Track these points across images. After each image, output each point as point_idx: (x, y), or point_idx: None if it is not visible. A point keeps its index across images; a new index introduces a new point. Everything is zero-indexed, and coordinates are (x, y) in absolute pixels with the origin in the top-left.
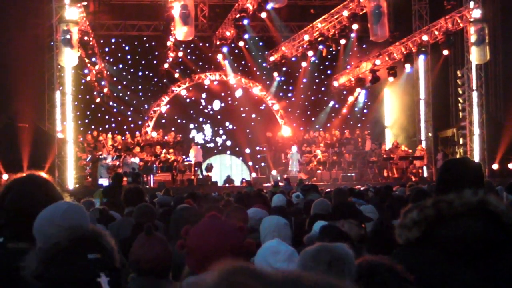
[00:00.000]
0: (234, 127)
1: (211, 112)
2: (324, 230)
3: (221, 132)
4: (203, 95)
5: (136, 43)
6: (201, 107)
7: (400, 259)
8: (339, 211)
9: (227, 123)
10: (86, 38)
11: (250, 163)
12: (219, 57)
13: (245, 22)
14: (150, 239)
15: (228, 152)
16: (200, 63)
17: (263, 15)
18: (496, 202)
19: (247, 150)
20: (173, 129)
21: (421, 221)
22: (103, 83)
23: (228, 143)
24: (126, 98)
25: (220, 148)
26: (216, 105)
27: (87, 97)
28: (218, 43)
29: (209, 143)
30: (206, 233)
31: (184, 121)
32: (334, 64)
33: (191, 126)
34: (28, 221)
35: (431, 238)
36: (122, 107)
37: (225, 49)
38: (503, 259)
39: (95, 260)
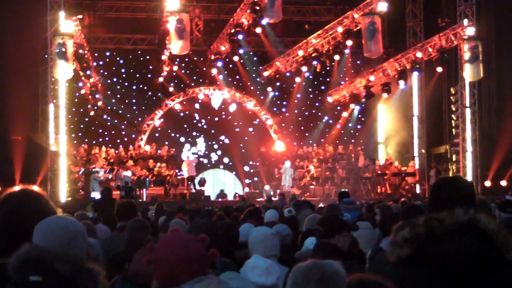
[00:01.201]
0: (228, 142)
1: (205, 126)
2: (319, 247)
3: (215, 146)
4: (197, 109)
5: (130, 56)
6: (195, 121)
7: (391, 277)
8: (332, 227)
9: (220, 138)
10: (81, 51)
11: (247, 180)
12: (214, 71)
13: (240, 37)
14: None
15: (222, 166)
16: (195, 77)
17: (258, 30)
18: (487, 220)
19: (246, 168)
20: (166, 143)
21: (413, 239)
22: (97, 96)
23: (222, 157)
24: (120, 111)
25: (213, 162)
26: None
27: (81, 110)
28: (212, 57)
29: (203, 157)
30: (171, 246)
31: (177, 135)
32: (328, 79)
33: (182, 139)
34: (18, 236)
35: (422, 256)
36: (116, 121)
37: (219, 64)
38: (494, 277)
39: (35, 282)
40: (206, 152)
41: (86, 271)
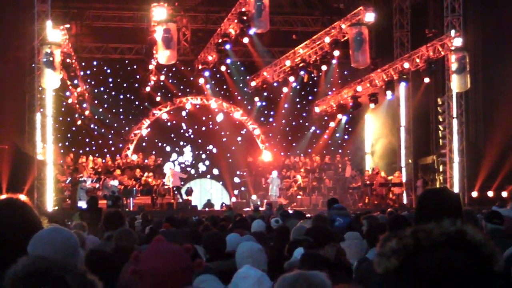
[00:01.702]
0: (215, 151)
1: (192, 136)
2: (306, 258)
3: (202, 156)
4: (184, 119)
5: (118, 66)
6: (182, 130)
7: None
8: (321, 238)
9: (207, 147)
10: (68, 60)
11: (235, 192)
12: (201, 81)
13: (227, 46)
14: None
15: (209, 176)
16: (182, 87)
17: (245, 40)
18: (474, 232)
19: (235, 179)
20: (153, 152)
21: (400, 250)
22: (84, 105)
23: (209, 167)
24: (107, 120)
25: (200, 172)
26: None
27: (68, 119)
28: (200, 67)
29: (190, 167)
30: (156, 256)
31: (164, 145)
32: (315, 90)
33: (168, 149)
34: (2, 244)
35: (409, 268)
36: (103, 130)
37: (207, 73)
38: None
39: None
40: (193, 162)
41: (91, 283)
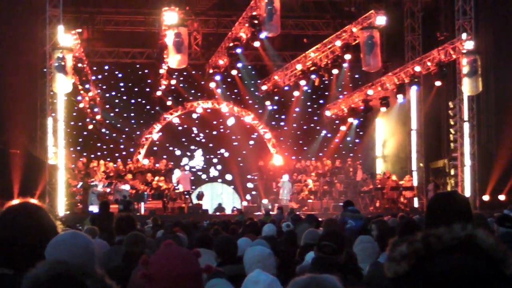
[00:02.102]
0: (226, 155)
1: (203, 140)
2: (317, 262)
3: (214, 160)
4: (195, 123)
5: (129, 70)
6: (193, 135)
7: None
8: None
9: (218, 151)
10: (80, 65)
11: (247, 196)
12: (212, 85)
13: (238, 50)
14: None
15: (220, 180)
16: (193, 91)
17: (257, 44)
18: (485, 236)
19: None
20: (164, 156)
21: (410, 254)
22: (96, 109)
23: (220, 171)
24: (119, 125)
25: (211, 176)
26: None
27: (80, 123)
28: (211, 71)
29: (201, 171)
30: (167, 260)
31: (175, 149)
32: (326, 93)
33: (179, 153)
34: (17, 249)
35: (420, 272)
36: (114, 134)
37: (218, 77)
38: None
39: None
40: (204, 166)
41: None
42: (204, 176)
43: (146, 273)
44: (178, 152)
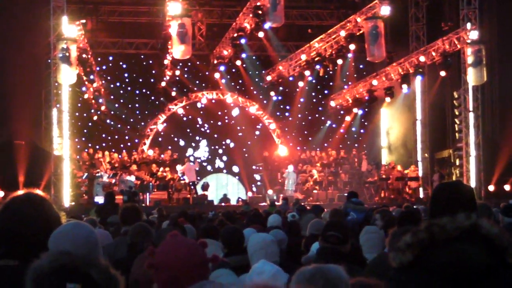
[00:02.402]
0: (231, 146)
1: (208, 130)
2: (322, 252)
3: (219, 151)
4: (200, 113)
5: (133, 61)
6: (197, 125)
7: (393, 282)
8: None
9: (223, 142)
10: (84, 55)
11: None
12: (216, 75)
13: (243, 41)
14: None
15: (225, 171)
16: (197, 82)
17: (261, 34)
18: (489, 226)
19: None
20: (169, 147)
21: (414, 244)
22: (100, 100)
23: (225, 162)
24: (123, 116)
25: (216, 167)
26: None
27: (84, 114)
28: (215, 62)
29: (206, 162)
30: (171, 250)
31: (180, 140)
32: (331, 84)
33: (182, 143)
34: (21, 240)
35: (424, 262)
36: (119, 125)
37: (222, 68)
38: (497, 283)
39: None
40: (209, 157)
41: (114, 278)
42: (209, 167)
43: (152, 263)
44: (182, 143)
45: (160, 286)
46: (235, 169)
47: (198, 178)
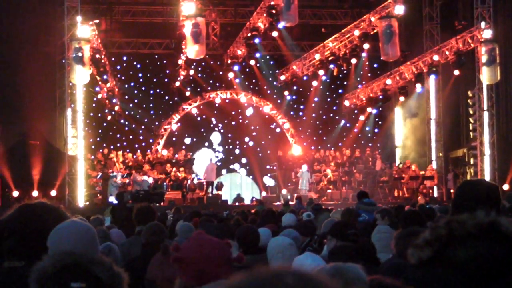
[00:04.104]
0: (245, 146)
1: (222, 130)
2: (336, 251)
3: (234, 151)
4: (214, 113)
5: (147, 61)
6: (211, 125)
7: (412, 280)
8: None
9: (237, 142)
10: (97, 56)
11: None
12: (230, 75)
13: (257, 40)
14: (166, 259)
15: (239, 170)
16: (211, 82)
17: (275, 34)
18: (508, 223)
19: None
20: (183, 147)
21: (433, 240)
22: (114, 100)
23: (240, 161)
24: (137, 116)
25: (230, 166)
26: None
27: (99, 114)
28: (229, 61)
29: (220, 161)
30: (200, 246)
31: (194, 139)
32: (345, 83)
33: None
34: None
35: (443, 258)
36: (133, 125)
37: (236, 68)
38: None
39: None
40: (223, 157)
41: (118, 275)
42: (223, 167)
43: (179, 256)
44: (198, 143)
45: (186, 280)
46: (249, 168)
47: (214, 178)
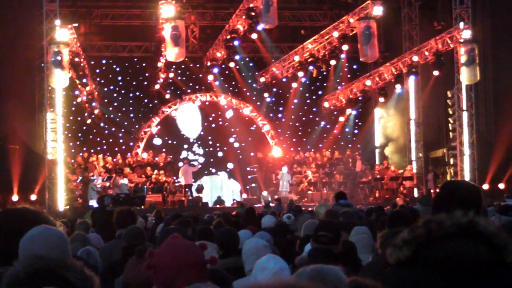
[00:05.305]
0: (225, 148)
1: (202, 132)
2: (314, 253)
3: (213, 153)
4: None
5: (127, 64)
6: None
7: (390, 280)
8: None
9: (217, 144)
10: (77, 59)
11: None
12: (210, 78)
13: (236, 43)
14: (141, 262)
15: (219, 173)
16: (191, 84)
17: (254, 36)
18: (486, 223)
19: (244, 174)
20: (163, 150)
21: (411, 240)
22: (94, 104)
23: (219, 164)
24: (117, 119)
25: (210, 169)
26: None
27: (78, 118)
28: (208, 64)
29: (199, 164)
30: (171, 251)
31: (174, 142)
32: (324, 84)
33: (178, 146)
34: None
35: (421, 258)
36: (113, 128)
37: (215, 70)
38: (493, 281)
39: None
40: (203, 159)
41: (90, 279)
42: (203, 169)
43: (151, 264)
44: (177, 146)
45: (157, 287)
46: (229, 171)
47: (193, 180)
